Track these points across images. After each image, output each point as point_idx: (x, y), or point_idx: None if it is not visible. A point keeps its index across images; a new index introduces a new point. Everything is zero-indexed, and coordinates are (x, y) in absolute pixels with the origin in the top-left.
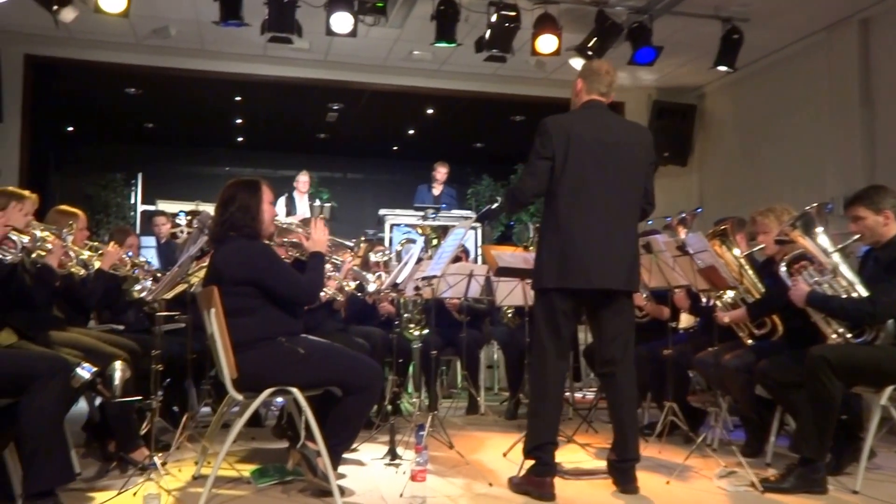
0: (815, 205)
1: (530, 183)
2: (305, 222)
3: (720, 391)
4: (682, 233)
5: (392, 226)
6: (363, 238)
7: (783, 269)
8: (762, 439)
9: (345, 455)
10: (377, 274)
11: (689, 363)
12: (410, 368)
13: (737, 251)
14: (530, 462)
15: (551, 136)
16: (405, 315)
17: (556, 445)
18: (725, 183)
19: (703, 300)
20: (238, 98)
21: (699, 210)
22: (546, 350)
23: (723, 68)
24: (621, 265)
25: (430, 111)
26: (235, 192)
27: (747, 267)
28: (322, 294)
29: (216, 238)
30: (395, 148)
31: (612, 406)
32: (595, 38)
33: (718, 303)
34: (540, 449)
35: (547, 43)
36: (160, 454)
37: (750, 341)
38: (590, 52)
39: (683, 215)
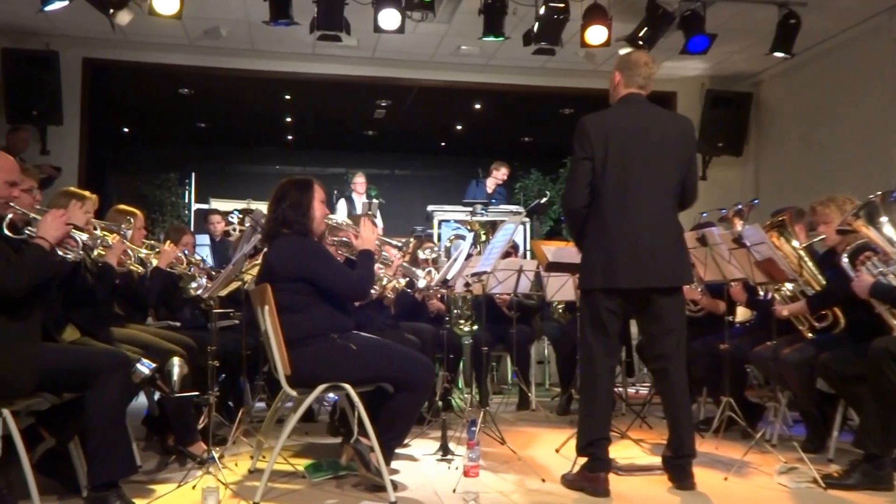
0: (879, 193)
1: (574, 187)
2: (355, 220)
3: (779, 385)
4: (739, 225)
5: (440, 222)
6: (412, 235)
7: (845, 260)
8: (824, 434)
9: (397, 450)
10: (427, 270)
11: (747, 357)
12: (461, 364)
13: (796, 243)
14: (584, 459)
15: (589, 135)
16: (455, 311)
17: (609, 441)
18: (783, 173)
19: (761, 293)
20: (287, 97)
21: (756, 201)
22: (593, 348)
23: (780, 55)
24: (667, 261)
25: (477, 106)
26: (287, 189)
27: (807, 258)
28: (372, 291)
29: (269, 235)
30: (442, 144)
31: (665, 402)
32: (646, 28)
33: (777, 296)
34: (592, 445)
35: (596, 34)
36: (217, 448)
37: (810, 335)
38: (640, 42)
39: (739, 207)
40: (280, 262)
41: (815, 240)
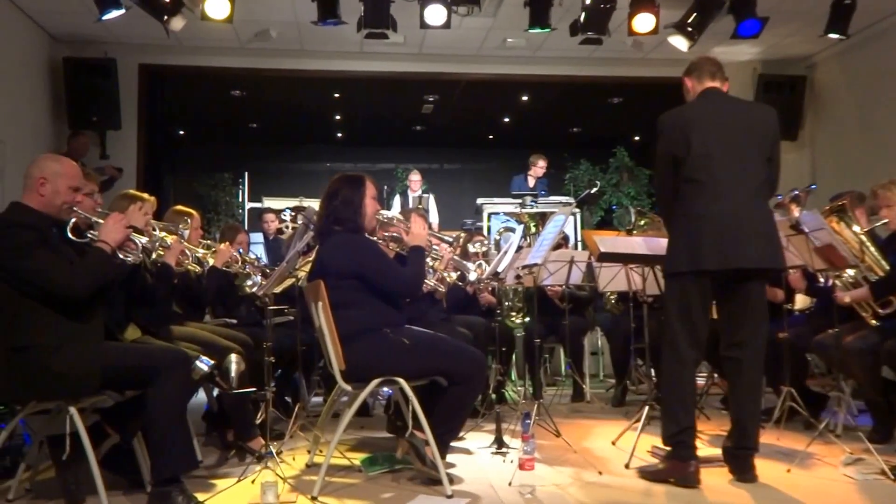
0: None
1: (661, 182)
2: (406, 216)
3: (842, 374)
4: (796, 211)
5: (490, 214)
6: (462, 228)
7: None
8: (891, 424)
9: (452, 444)
10: (478, 263)
11: (808, 346)
12: (513, 357)
13: (856, 227)
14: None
15: (667, 130)
16: (507, 304)
17: (696, 430)
18: (840, 156)
19: (821, 280)
20: (336, 95)
21: (813, 186)
22: (678, 336)
23: (834, 36)
24: (755, 243)
25: (525, 98)
26: (339, 186)
27: (869, 243)
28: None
29: (321, 232)
30: (490, 137)
31: (733, 392)
32: (695, 14)
33: (838, 282)
34: (682, 434)
35: (644, 22)
36: (275, 443)
37: (873, 321)
38: (690, 29)
39: (796, 192)
40: (333, 259)
41: (877, 224)
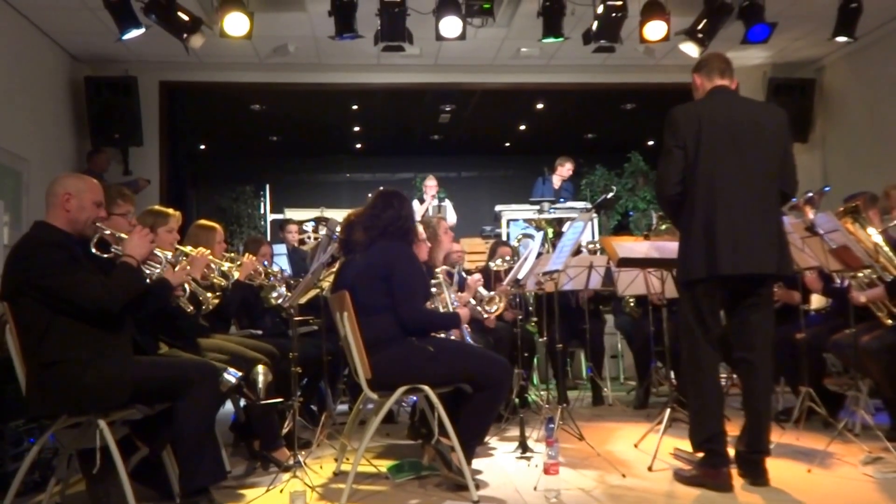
0: None
1: (666, 175)
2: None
3: (859, 374)
4: (810, 213)
5: (509, 221)
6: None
7: None
8: None
9: (477, 449)
10: (495, 306)
11: (825, 346)
12: (535, 361)
13: (871, 229)
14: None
15: (680, 124)
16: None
17: (726, 435)
18: (852, 158)
19: (837, 281)
20: (355, 107)
21: (827, 189)
22: (699, 342)
23: (842, 39)
24: (768, 248)
25: (540, 106)
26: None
27: (883, 244)
28: None
29: (371, 240)
30: (507, 144)
31: (747, 395)
32: (705, 21)
33: (853, 283)
34: (711, 441)
35: (655, 29)
36: (302, 452)
37: (889, 321)
38: (700, 35)
39: (810, 195)
40: (374, 259)
41: (891, 224)
